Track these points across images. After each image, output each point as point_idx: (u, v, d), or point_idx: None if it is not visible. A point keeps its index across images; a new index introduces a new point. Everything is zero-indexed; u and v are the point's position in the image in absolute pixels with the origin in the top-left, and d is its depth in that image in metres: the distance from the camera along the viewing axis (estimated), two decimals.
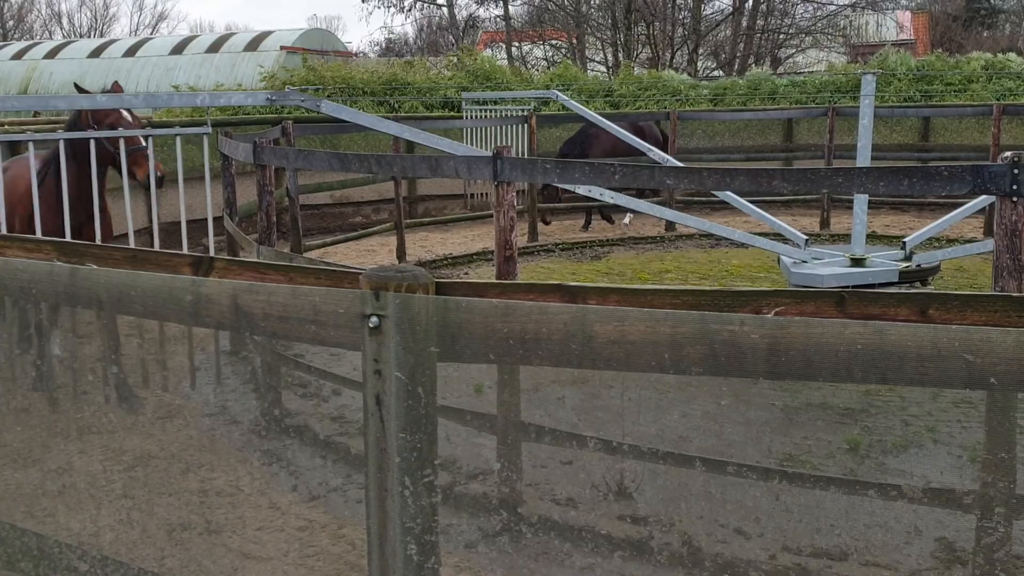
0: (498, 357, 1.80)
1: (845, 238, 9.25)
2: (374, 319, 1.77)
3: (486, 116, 13.82)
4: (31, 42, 37.60)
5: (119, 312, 2.26)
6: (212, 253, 6.01)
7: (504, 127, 13.60)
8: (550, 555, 3.85)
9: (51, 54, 30.13)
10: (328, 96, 16.63)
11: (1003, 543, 3.48)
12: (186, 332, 6.84)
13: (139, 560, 3.54)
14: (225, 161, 8.44)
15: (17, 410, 4.85)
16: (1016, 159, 4.09)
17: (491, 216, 5.94)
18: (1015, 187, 4.05)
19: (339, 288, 1.86)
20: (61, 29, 55.73)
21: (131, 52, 28.93)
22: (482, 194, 13.71)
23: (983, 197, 5.74)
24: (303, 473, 4.79)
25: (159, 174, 6.72)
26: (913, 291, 4.03)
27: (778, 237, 8.28)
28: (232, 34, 29.97)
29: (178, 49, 28.47)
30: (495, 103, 14.20)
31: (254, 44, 27.35)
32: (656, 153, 9.59)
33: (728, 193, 7.70)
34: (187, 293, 2.07)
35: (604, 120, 10.72)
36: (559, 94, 11.59)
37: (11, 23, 54.40)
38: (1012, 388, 1.48)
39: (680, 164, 8.29)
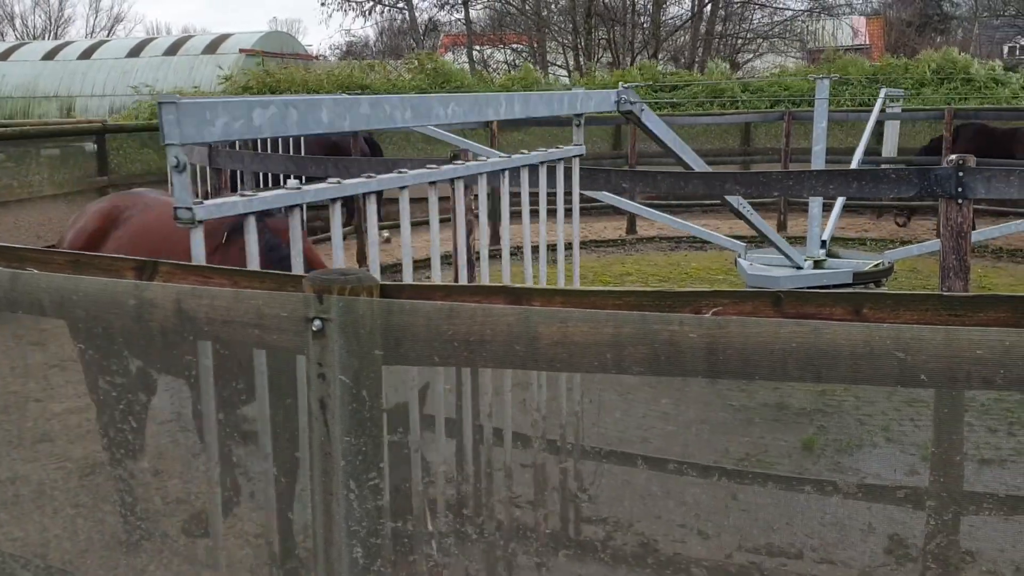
0: (443, 359, 1.80)
1: (802, 240, 9.38)
2: (317, 322, 1.76)
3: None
4: None
5: (61, 317, 2.23)
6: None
7: None
8: (507, 559, 3.85)
9: (3, 56, 29.56)
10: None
11: (952, 539, 3.55)
12: (136, 337, 6.72)
13: (86, 569, 3.48)
14: None
15: None
16: (960, 162, 4.18)
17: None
18: (960, 189, 4.14)
19: (283, 291, 1.85)
20: (14, 31, 54.63)
21: (87, 54, 28.48)
22: None
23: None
24: (259, 479, 4.74)
25: None
26: (849, 291, 4.11)
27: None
28: (190, 37, 29.63)
29: (135, 52, 28.09)
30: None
31: (213, 47, 27.08)
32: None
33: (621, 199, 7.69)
34: (130, 297, 2.04)
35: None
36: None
37: None
38: (942, 385, 1.52)
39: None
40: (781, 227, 12.94)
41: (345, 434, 1.78)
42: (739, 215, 6.72)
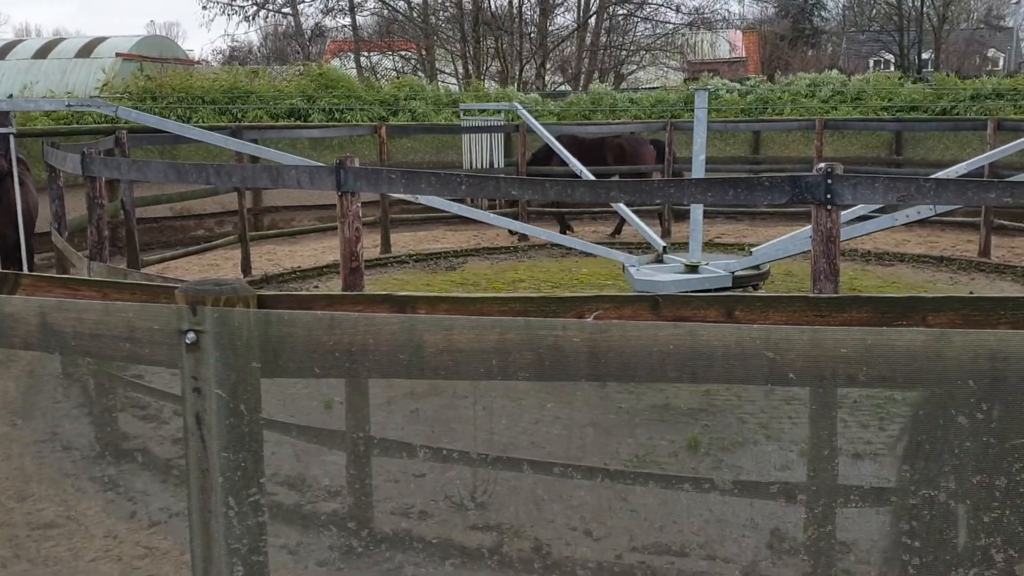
0: (324, 370, 1.77)
1: (686, 246, 9.66)
2: (191, 335, 1.71)
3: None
4: None
5: None
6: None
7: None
8: (403, 569, 3.82)
9: None
10: (166, 106, 16.00)
11: (828, 531, 3.70)
12: (8, 355, 6.40)
13: None
14: (52, 173, 7.97)
15: None
16: (829, 170, 4.38)
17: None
18: (829, 196, 4.34)
19: (155, 303, 1.79)
20: None
21: None
22: None
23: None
24: (142, 499, 4.57)
25: None
26: (723, 294, 4.26)
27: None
28: (62, 39, 28.34)
29: (1, 54, 26.66)
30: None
31: (87, 50, 25.95)
32: (575, 164, 9.64)
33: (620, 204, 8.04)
34: None
35: (545, 132, 10.79)
36: (519, 107, 11.74)
37: None
38: (809, 383, 1.58)
39: (592, 178, 8.58)
40: (665, 233, 13.28)
41: (223, 449, 1.73)
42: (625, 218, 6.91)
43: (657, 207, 13.53)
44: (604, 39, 30.74)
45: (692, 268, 7.63)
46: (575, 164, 9.53)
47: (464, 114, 14.53)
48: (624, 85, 29.34)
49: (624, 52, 31.18)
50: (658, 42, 30.97)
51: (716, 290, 7.13)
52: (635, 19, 31.08)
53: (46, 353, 2.00)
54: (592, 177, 8.79)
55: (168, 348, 1.76)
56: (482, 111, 14.51)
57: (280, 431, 4.55)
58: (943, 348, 1.64)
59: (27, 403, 6.07)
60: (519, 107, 11.81)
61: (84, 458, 5.14)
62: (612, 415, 5.63)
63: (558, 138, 13.25)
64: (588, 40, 30.31)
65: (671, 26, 31.18)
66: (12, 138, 6.96)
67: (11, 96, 19.81)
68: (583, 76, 29.43)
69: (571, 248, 12.17)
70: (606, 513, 4.25)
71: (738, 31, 39.52)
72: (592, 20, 30.35)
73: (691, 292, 6.98)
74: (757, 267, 7.47)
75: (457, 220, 13.99)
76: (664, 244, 8.51)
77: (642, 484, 4.33)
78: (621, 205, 8.71)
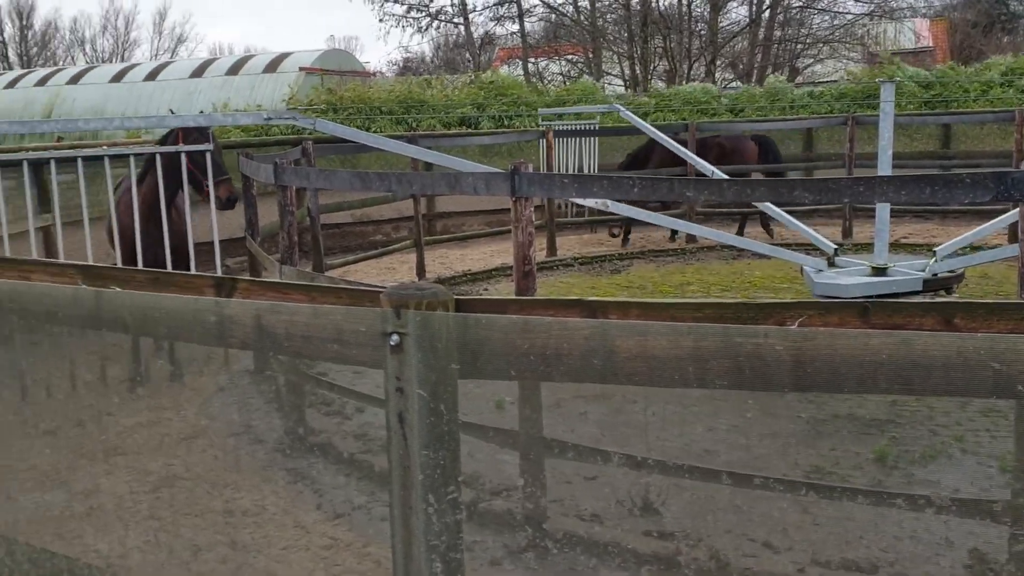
0: (519, 373, 1.80)
1: (868, 247, 9.17)
2: (395, 337, 1.77)
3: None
4: (54, 68, 38.23)
5: (144, 334, 2.28)
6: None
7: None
8: (576, 571, 3.83)
9: (74, 80, 30.58)
10: (345, 117, 16.78)
11: None
12: (208, 352, 6.89)
13: None
14: (247, 182, 8.53)
15: (44, 432, 4.90)
16: None
17: (509, 232, 5.94)
18: None
19: (360, 307, 1.87)
20: (84, 55, 56.59)
21: (152, 76, 29.31)
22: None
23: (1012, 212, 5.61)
24: (327, 491, 4.80)
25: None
26: (938, 300, 4.00)
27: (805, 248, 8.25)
28: (251, 56, 30.30)
29: (198, 72, 28.81)
30: (560, 117, 14.41)
31: (273, 66, 27.64)
32: (704, 166, 9.42)
33: (768, 204, 7.79)
34: (211, 314, 2.08)
35: (660, 134, 10.63)
36: (622, 108, 11.62)
37: (35, 49, 55.38)
38: None
39: (726, 177, 8.33)
40: (846, 234, 12.69)
41: (423, 448, 1.79)
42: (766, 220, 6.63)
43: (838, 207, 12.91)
44: (778, 33, 29.71)
45: (880, 270, 7.23)
46: (701, 163, 9.23)
47: (543, 120, 14.46)
48: (799, 79, 28.25)
49: (800, 45, 30.02)
50: (836, 34, 29.62)
51: (905, 294, 6.73)
52: (811, 12, 29.88)
53: (259, 352, 2.13)
54: (725, 176, 8.46)
55: (372, 349, 1.84)
56: (561, 116, 14.39)
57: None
58: None
59: (224, 399, 6.52)
60: (622, 108, 11.47)
61: (274, 451, 5.46)
62: (791, 424, 5.43)
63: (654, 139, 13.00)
64: (761, 35, 29.39)
65: (850, 17, 29.77)
66: (209, 155, 7.41)
67: (201, 112, 21.33)
68: (755, 72, 28.57)
69: (743, 250, 11.85)
70: (788, 526, 4.11)
71: (924, 19, 37.20)
72: (766, 14, 29.42)
73: (879, 297, 6.63)
74: (951, 269, 6.99)
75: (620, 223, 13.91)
76: (835, 246, 8.04)
77: (825, 497, 4.16)
78: (770, 205, 8.30)
